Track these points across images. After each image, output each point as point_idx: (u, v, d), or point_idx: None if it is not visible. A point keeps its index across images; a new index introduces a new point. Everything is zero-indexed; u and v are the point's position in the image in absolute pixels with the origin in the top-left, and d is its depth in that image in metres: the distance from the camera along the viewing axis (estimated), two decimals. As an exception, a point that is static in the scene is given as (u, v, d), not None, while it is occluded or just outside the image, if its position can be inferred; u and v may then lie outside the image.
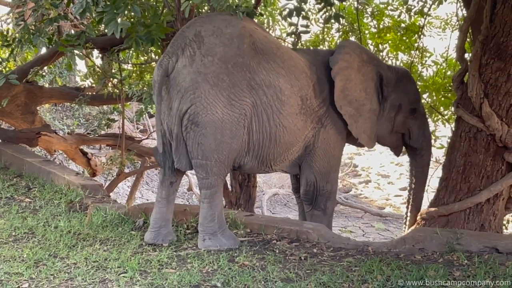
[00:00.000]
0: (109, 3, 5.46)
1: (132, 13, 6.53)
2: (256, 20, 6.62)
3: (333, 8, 7.03)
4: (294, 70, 6.04)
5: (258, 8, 8.81)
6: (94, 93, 11.57)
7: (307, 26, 7.31)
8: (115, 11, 5.31)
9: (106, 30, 5.42)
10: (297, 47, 7.32)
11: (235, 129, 5.56)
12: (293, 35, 7.20)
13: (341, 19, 6.52)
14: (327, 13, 7.06)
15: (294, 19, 6.98)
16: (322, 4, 7.16)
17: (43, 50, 10.97)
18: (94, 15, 7.78)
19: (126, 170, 12.47)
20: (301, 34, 7.21)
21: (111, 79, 10.33)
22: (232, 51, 5.55)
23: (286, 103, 5.90)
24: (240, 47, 5.61)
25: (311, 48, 10.51)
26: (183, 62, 5.42)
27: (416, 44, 10.56)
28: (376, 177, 21.43)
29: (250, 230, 5.86)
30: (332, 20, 6.50)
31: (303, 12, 6.97)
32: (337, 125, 6.45)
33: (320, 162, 6.44)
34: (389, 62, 10.95)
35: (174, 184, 5.82)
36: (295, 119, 6.01)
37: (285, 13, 7.02)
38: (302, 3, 6.83)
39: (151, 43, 5.93)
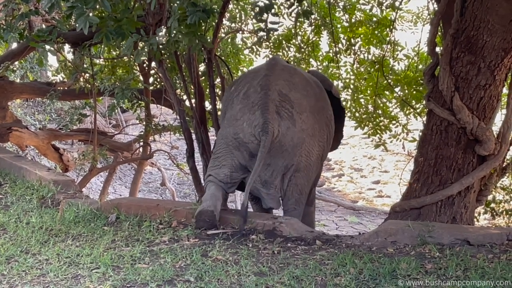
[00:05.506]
0: (79, -3, 5.39)
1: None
2: (228, 15, 6.59)
3: (304, 2, 7.02)
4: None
5: (230, 3, 8.80)
6: (65, 88, 11.50)
7: (276, 23, 7.31)
8: (84, 6, 5.25)
9: (77, 25, 5.35)
10: (267, 43, 7.39)
11: (319, 164, 6.58)
12: (262, 32, 7.21)
13: (312, 14, 6.57)
14: (298, 8, 7.05)
15: (265, 16, 6.98)
16: (291, 1, 7.18)
17: (14, 45, 10.89)
18: (63, 10, 7.72)
19: (99, 165, 12.41)
20: (270, 31, 7.24)
21: (83, 74, 10.27)
22: (312, 101, 6.32)
23: (332, 130, 6.80)
24: (314, 93, 6.44)
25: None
26: (286, 125, 5.95)
27: (388, 38, 10.62)
28: (349, 171, 21.46)
29: (223, 224, 5.85)
30: (300, 18, 6.56)
31: (273, 9, 6.97)
32: None
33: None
34: (361, 56, 11.04)
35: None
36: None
37: (256, 10, 6.99)
38: (272, 0, 6.80)
39: (122, 37, 5.86)
